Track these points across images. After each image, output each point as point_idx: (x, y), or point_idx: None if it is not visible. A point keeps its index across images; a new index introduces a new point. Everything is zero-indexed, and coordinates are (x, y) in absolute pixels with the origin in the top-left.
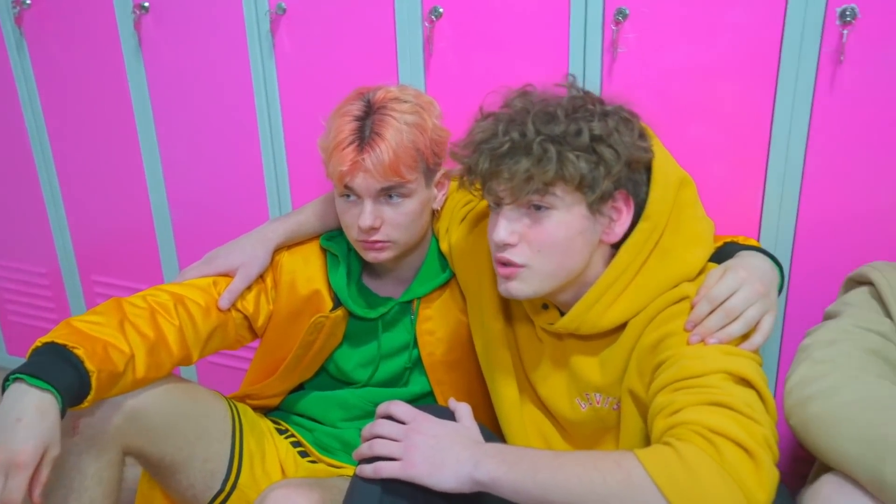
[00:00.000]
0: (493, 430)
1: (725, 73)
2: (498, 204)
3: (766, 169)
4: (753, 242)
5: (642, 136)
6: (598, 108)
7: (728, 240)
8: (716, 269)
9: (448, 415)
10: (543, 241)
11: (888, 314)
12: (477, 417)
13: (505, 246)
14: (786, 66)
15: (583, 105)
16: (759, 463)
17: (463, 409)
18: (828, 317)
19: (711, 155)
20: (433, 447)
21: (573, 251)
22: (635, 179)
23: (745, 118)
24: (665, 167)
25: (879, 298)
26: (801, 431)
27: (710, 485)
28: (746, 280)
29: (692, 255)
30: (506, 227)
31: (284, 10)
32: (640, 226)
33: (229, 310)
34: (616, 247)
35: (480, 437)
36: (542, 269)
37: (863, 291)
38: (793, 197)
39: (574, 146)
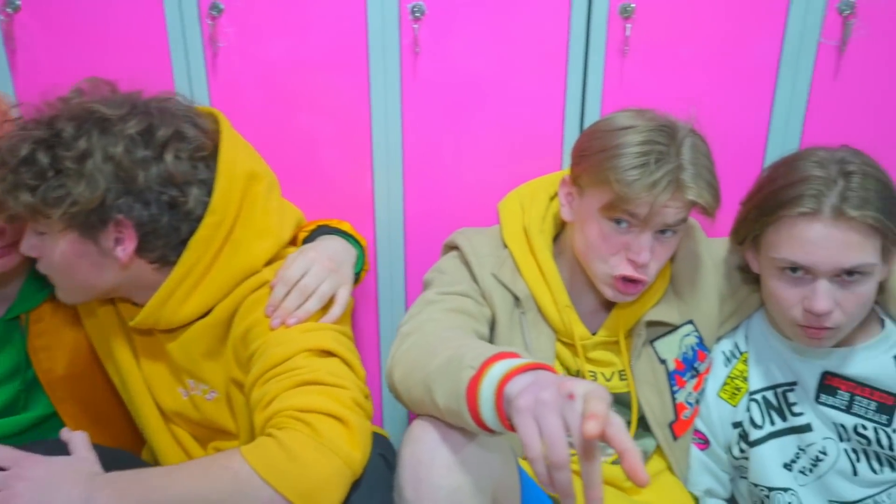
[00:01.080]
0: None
1: (324, 66)
2: None
3: (372, 155)
4: (343, 225)
5: (177, 138)
6: (94, 130)
7: (321, 223)
8: (291, 254)
9: (61, 448)
10: (46, 264)
11: (472, 273)
12: (118, 432)
13: None
14: (374, 57)
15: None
16: (350, 425)
17: (77, 440)
18: (426, 283)
19: (321, 143)
20: (39, 491)
21: (80, 271)
22: (159, 193)
23: (347, 107)
24: (231, 162)
25: (465, 261)
26: (394, 395)
27: (310, 461)
28: (315, 259)
29: (259, 247)
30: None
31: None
32: (206, 220)
33: None
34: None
35: (97, 468)
36: (60, 284)
37: (452, 256)
38: (397, 178)
39: (29, 176)
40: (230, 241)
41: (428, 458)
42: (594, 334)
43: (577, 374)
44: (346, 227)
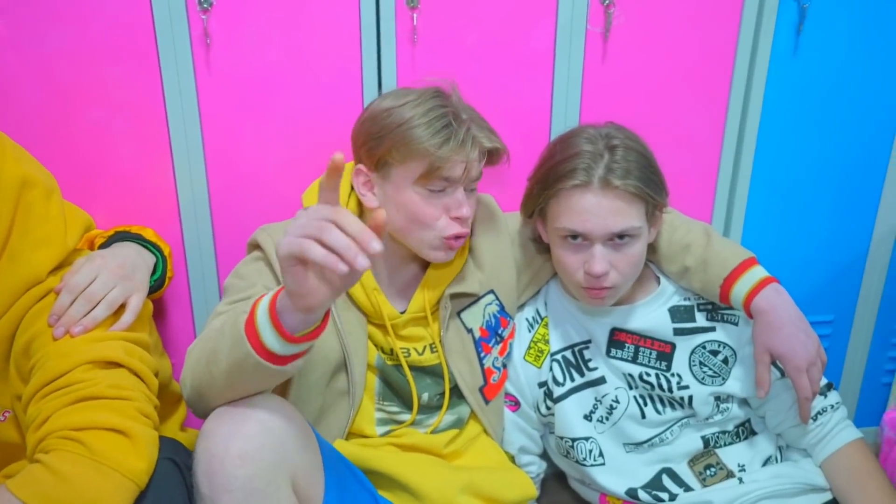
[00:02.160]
0: None
1: (109, 59)
2: None
3: (171, 152)
4: (145, 231)
5: None
6: None
7: (119, 229)
8: (79, 260)
9: None
10: None
11: (274, 273)
12: None
13: None
14: (164, 50)
15: None
16: (133, 436)
17: None
18: (224, 290)
19: (115, 142)
20: None
21: None
22: None
23: (140, 102)
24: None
25: (268, 262)
26: (193, 411)
27: (82, 481)
28: (104, 266)
29: (41, 256)
30: None
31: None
32: None
33: None
34: None
35: None
36: None
37: (253, 258)
38: (200, 174)
39: None
40: (6, 252)
41: (221, 450)
42: (403, 313)
43: (391, 352)
44: (148, 233)
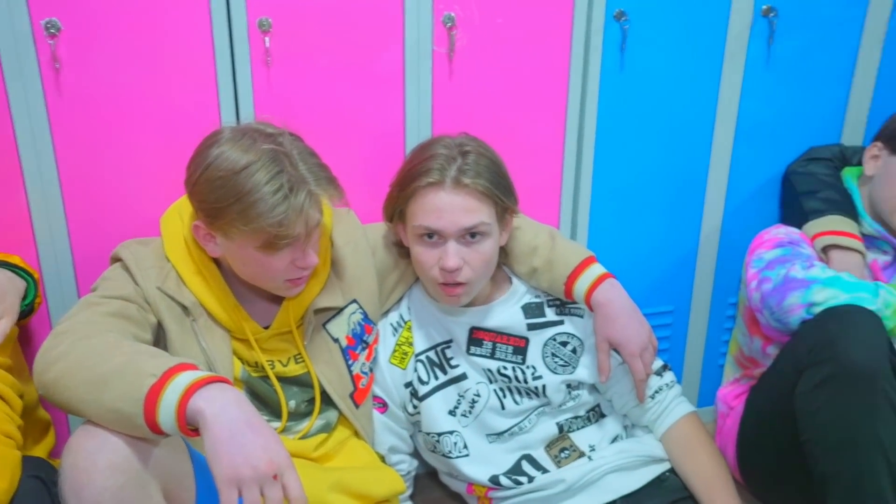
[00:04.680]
0: None
1: None
2: None
3: (23, 179)
4: (12, 258)
5: None
6: None
7: None
8: None
9: None
10: None
11: (136, 283)
12: None
13: None
14: (10, 76)
15: None
16: None
17: None
18: (91, 289)
19: None
20: None
21: None
22: None
23: None
24: None
25: (129, 272)
26: (44, 395)
27: None
28: None
29: None
30: None
31: None
32: None
33: None
34: None
35: None
36: None
37: (116, 267)
38: (56, 203)
39: None
40: None
41: (88, 463)
42: (268, 328)
43: (256, 365)
44: (14, 259)
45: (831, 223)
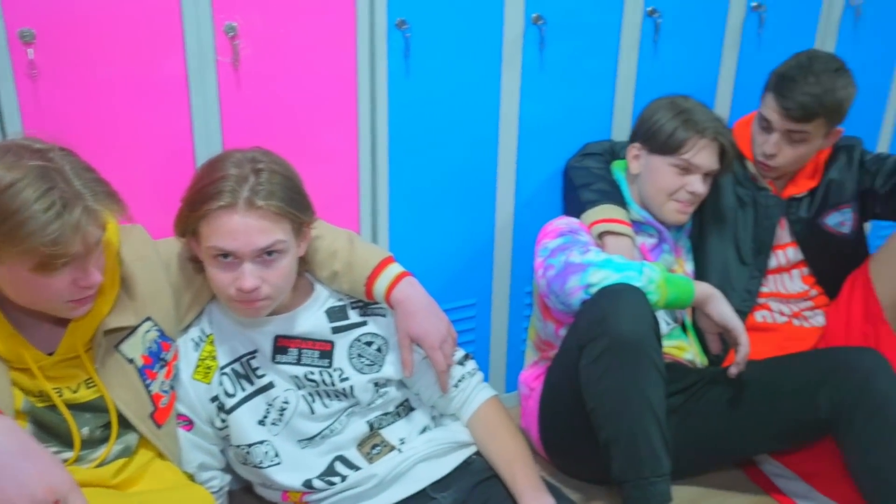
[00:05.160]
0: None
1: None
2: None
3: None
4: None
5: None
6: None
7: None
8: None
9: None
10: None
11: None
12: None
13: None
14: None
15: None
16: None
17: None
18: None
19: None
20: None
21: None
22: None
23: None
24: None
25: None
26: None
27: None
28: None
29: None
30: None
31: None
32: None
33: None
34: None
35: None
36: None
37: None
38: None
39: None
40: None
41: None
42: (52, 353)
43: (40, 394)
44: None
45: (604, 212)
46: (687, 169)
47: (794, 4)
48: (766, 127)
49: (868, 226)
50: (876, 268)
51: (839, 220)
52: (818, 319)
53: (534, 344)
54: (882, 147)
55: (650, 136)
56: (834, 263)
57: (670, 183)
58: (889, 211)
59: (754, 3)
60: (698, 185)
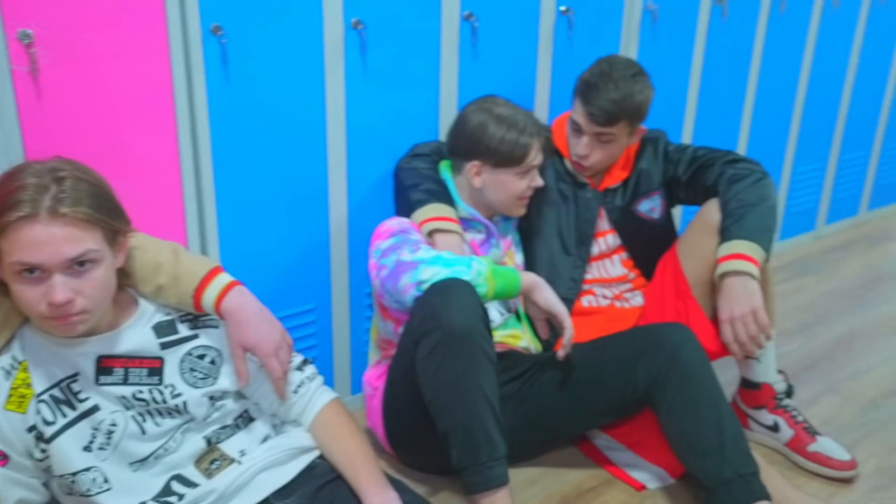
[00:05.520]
0: None
1: None
2: None
3: None
4: None
5: None
6: None
7: None
8: None
9: None
10: None
11: None
12: None
13: None
14: None
15: None
16: None
17: None
18: None
19: None
20: None
21: None
22: None
23: None
24: None
25: None
26: None
27: None
28: None
29: None
30: None
31: None
32: None
33: None
34: None
35: None
36: None
37: None
38: None
39: None
40: None
41: None
42: None
43: None
44: None
45: (433, 210)
46: (528, 170)
47: (599, 9)
48: (577, 130)
49: (680, 211)
50: (683, 248)
51: (650, 207)
52: (637, 300)
53: (376, 344)
54: (686, 138)
55: (491, 153)
56: (648, 247)
57: (518, 188)
58: (691, 196)
59: (563, 8)
60: (539, 179)
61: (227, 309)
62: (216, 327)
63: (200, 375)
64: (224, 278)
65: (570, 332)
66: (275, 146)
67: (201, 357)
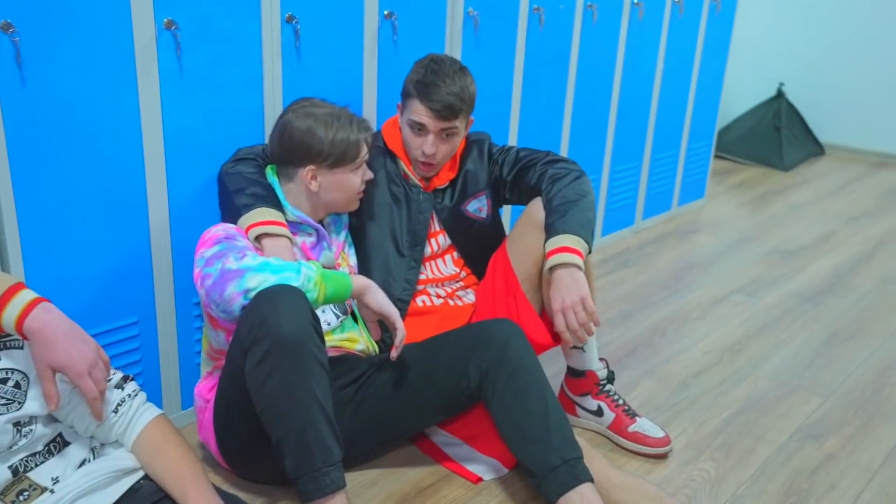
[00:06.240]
0: None
1: None
2: None
3: None
4: None
5: None
6: None
7: None
8: None
9: None
10: None
11: None
12: None
13: None
14: None
15: None
16: None
17: None
18: None
19: None
20: None
21: None
22: None
23: None
24: None
25: None
26: None
27: None
28: None
29: None
30: None
31: None
32: None
33: None
34: None
35: None
36: None
37: None
38: None
39: None
40: None
41: None
42: None
43: None
44: None
45: (260, 215)
46: (360, 166)
47: (421, 13)
48: (421, 130)
49: (509, 211)
50: (512, 246)
51: (477, 207)
52: (469, 297)
53: (207, 355)
54: (511, 139)
55: (325, 156)
56: (478, 245)
57: (355, 184)
58: (516, 196)
59: (386, 12)
60: (369, 172)
61: (31, 328)
62: (21, 348)
63: (3, 401)
64: (26, 295)
65: (402, 333)
66: (82, 151)
67: (4, 381)
